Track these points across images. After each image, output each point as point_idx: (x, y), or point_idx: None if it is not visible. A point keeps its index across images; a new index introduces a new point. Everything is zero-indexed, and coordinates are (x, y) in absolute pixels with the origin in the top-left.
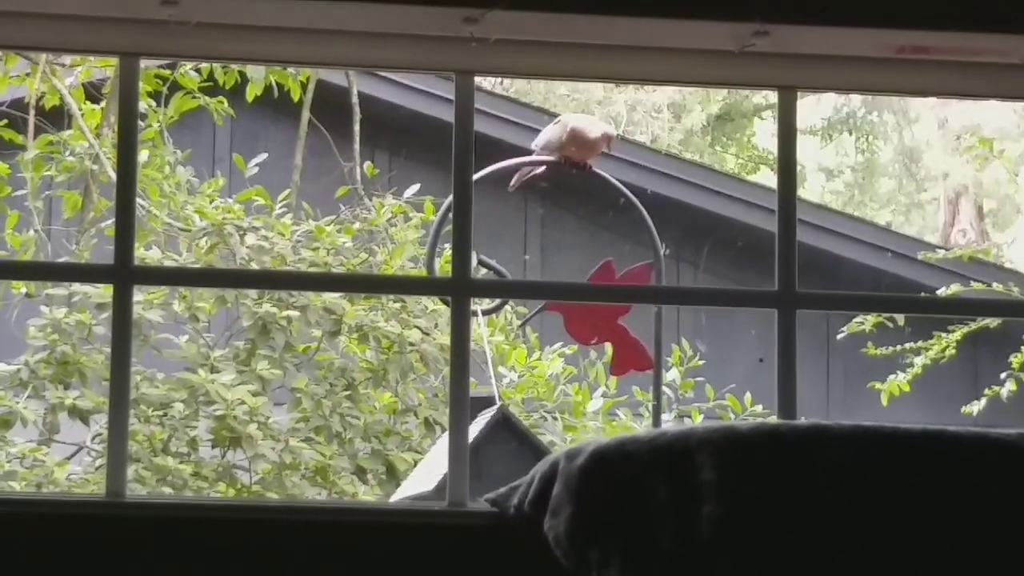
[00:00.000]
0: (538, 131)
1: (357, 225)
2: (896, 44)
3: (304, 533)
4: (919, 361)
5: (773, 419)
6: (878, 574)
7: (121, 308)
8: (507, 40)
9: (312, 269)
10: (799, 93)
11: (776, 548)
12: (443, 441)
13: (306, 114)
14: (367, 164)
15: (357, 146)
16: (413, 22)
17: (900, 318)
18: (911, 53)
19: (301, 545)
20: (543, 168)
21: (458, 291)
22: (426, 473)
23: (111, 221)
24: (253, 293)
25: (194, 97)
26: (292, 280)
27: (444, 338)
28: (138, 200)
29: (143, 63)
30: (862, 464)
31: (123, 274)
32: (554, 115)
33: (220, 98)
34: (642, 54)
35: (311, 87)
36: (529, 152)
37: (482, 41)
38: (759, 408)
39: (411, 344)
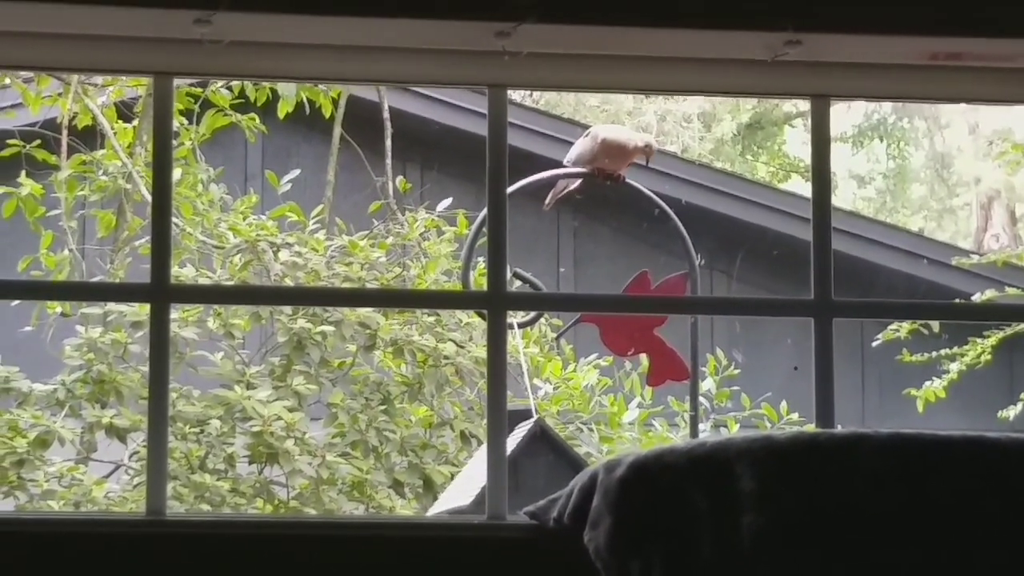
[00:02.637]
0: (569, 143)
1: (390, 240)
2: (929, 51)
3: (344, 548)
4: (954, 367)
5: (810, 428)
6: None
7: (158, 327)
8: (539, 53)
9: (346, 284)
10: (831, 101)
11: (817, 557)
12: (480, 455)
13: (338, 130)
14: (399, 179)
15: (389, 161)
16: (445, 37)
17: (936, 325)
18: (944, 60)
19: (341, 560)
20: (577, 183)
21: (494, 304)
22: (463, 487)
23: (145, 239)
24: (288, 309)
25: (226, 115)
26: (334, 296)
27: (479, 351)
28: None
29: (176, 82)
30: (902, 471)
31: (160, 293)
32: (585, 126)
33: (252, 115)
34: (675, 65)
35: (342, 103)
36: (560, 165)
37: (514, 55)
38: (795, 416)
39: (446, 357)
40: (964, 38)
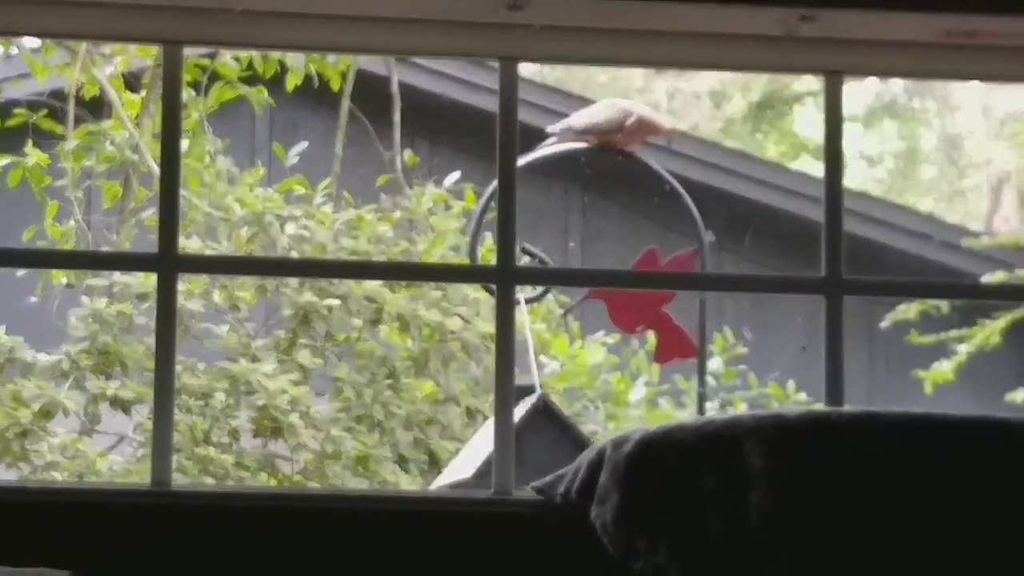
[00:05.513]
0: None
1: (398, 214)
2: (944, 28)
3: (350, 522)
4: (963, 349)
5: (819, 407)
6: (928, 562)
7: (165, 297)
8: (551, 26)
9: (353, 258)
10: (844, 78)
11: (825, 536)
12: (484, 429)
13: (346, 103)
14: (407, 153)
15: (397, 135)
16: (456, 8)
17: (945, 306)
18: (958, 37)
19: (346, 534)
20: (553, 149)
21: (503, 279)
22: (466, 460)
23: (151, 211)
24: (294, 282)
25: (234, 87)
26: (343, 268)
27: (485, 326)
28: None
29: (185, 52)
30: (912, 451)
31: (167, 263)
32: (593, 103)
33: (260, 88)
34: (687, 39)
35: (351, 76)
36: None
37: (526, 27)
38: (802, 396)
39: (452, 332)
40: (979, 16)
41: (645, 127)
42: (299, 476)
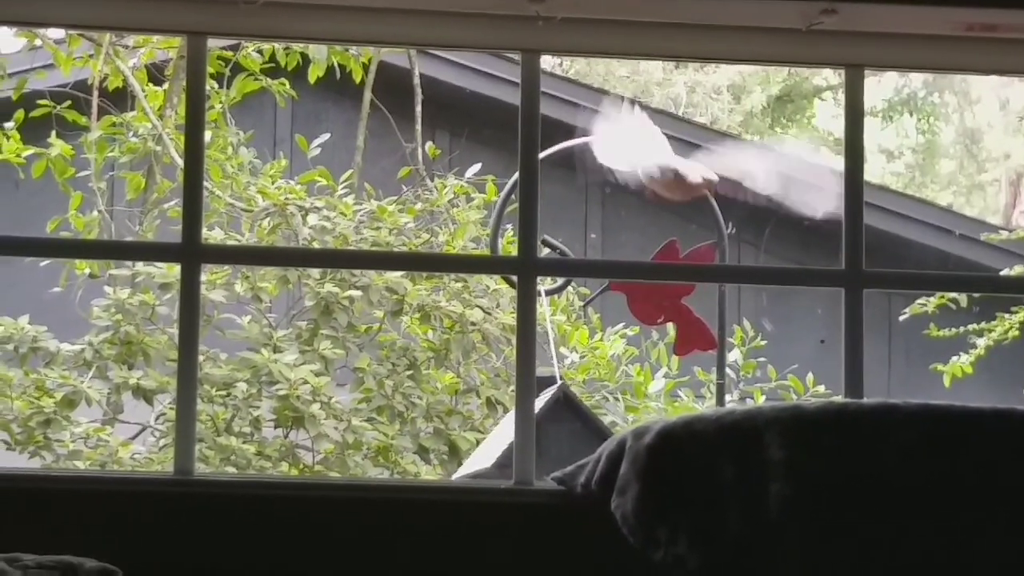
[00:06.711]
0: (598, 112)
1: (419, 206)
2: (965, 22)
3: (370, 511)
4: (982, 342)
5: (838, 399)
6: (948, 554)
7: (189, 287)
8: (573, 19)
9: (374, 249)
10: (865, 71)
11: (845, 527)
12: (505, 420)
13: (368, 95)
14: (428, 145)
15: (419, 127)
16: (478, 0)
17: (965, 300)
18: (979, 31)
19: (367, 523)
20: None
21: (524, 270)
22: (487, 451)
23: (174, 202)
24: (315, 273)
25: (256, 79)
26: (366, 259)
27: (506, 318)
28: None
29: (208, 43)
30: (932, 443)
31: (191, 253)
32: (615, 96)
33: (282, 80)
34: (708, 32)
35: (373, 68)
36: (585, 132)
37: (548, 20)
38: (821, 389)
39: (473, 324)
40: (1000, 9)
41: (679, 182)
42: (320, 466)
